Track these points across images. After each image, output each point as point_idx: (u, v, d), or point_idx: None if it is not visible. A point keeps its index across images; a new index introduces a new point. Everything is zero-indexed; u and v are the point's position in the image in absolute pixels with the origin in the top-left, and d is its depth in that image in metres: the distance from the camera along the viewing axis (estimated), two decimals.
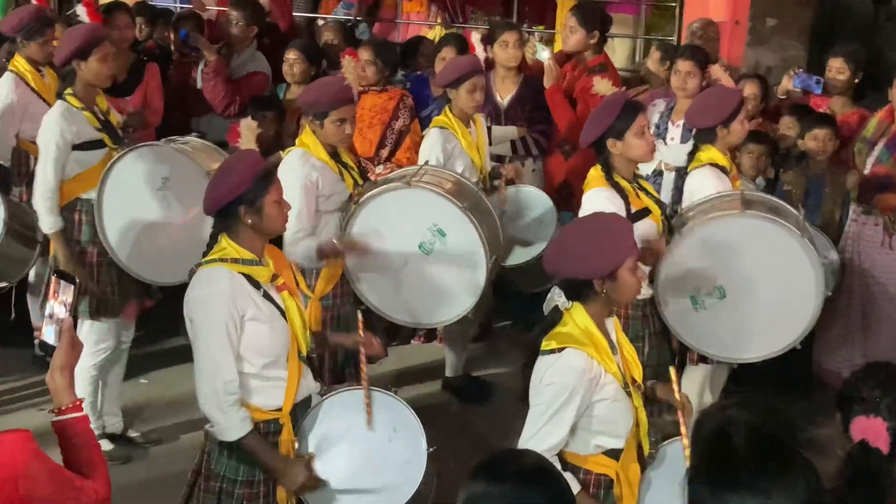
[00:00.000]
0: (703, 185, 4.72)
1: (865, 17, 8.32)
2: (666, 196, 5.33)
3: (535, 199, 5.52)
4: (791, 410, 2.47)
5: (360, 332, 3.92)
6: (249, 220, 3.47)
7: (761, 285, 4.43)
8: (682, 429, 3.43)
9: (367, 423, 3.67)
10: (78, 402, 2.63)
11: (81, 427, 2.62)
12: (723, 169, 4.77)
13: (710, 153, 4.78)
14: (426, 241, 4.66)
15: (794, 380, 5.58)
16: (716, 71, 5.92)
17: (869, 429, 2.66)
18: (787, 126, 6.03)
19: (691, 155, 4.87)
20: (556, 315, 3.33)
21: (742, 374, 5.08)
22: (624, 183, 4.35)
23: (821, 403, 5.32)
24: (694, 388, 4.81)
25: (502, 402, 5.64)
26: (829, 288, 4.96)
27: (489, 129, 5.93)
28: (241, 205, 3.44)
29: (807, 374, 5.81)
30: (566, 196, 5.95)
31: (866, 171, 5.65)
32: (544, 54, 6.15)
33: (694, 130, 5.00)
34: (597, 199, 4.27)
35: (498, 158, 5.91)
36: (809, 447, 4.31)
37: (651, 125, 5.57)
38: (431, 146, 5.26)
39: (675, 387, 3.55)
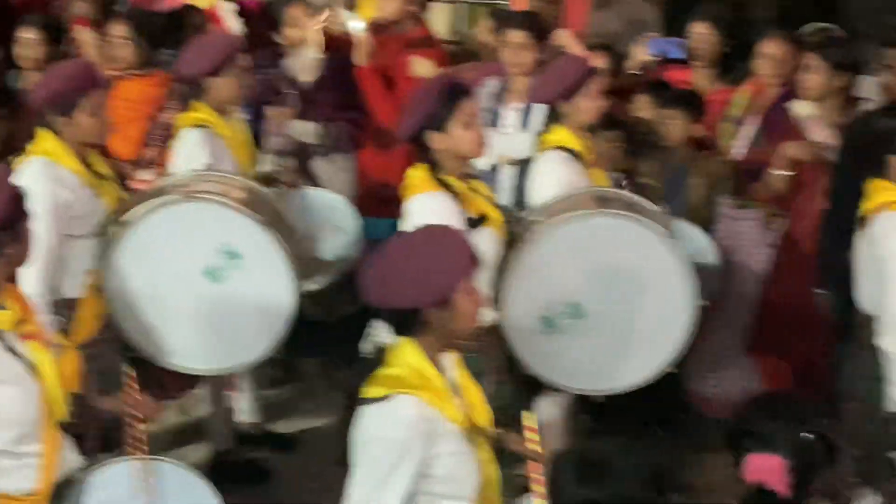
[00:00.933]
0: (548, 174, 4.81)
1: None
2: (505, 197, 5.40)
3: (329, 205, 5.52)
4: (668, 450, 2.53)
5: (130, 389, 3.82)
6: (11, 250, 3.37)
7: (625, 298, 4.53)
8: (535, 486, 3.43)
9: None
10: None
11: None
12: (576, 155, 4.85)
13: (558, 135, 4.86)
14: (215, 267, 4.60)
15: (669, 410, 5.70)
16: (561, 37, 6.02)
17: (765, 468, 2.73)
18: (642, 106, 6.13)
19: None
20: (380, 353, 3.30)
21: (605, 406, 5.18)
22: (455, 183, 4.35)
23: (702, 438, 5.51)
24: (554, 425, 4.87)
25: (314, 465, 5.54)
26: (709, 295, 5.08)
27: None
28: (2, 231, 3.33)
29: (683, 403, 5.94)
30: (385, 199, 5.79)
31: (737, 157, 5.82)
32: (354, 24, 6.12)
33: (533, 111, 5.08)
34: (426, 206, 4.25)
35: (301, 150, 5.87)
36: (693, 493, 4.45)
37: (482, 110, 5.61)
38: (191, 151, 5.11)
39: (528, 434, 3.56)
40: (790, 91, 5.74)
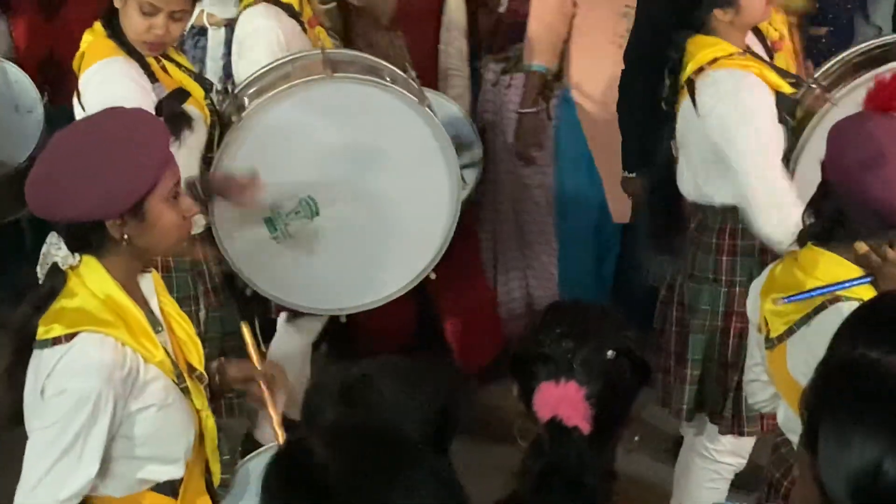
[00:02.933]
0: (256, 33, 4.82)
1: None
2: (214, 69, 5.39)
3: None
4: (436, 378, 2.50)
5: None
6: None
7: (371, 188, 4.54)
8: (272, 413, 3.40)
9: None
10: None
11: None
12: (289, 9, 4.89)
13: None
14: None
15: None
16: None
17: (561, 399, 2.66)
18: None
19: None
20: (58, 280, 3.17)
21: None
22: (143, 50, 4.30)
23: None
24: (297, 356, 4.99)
25: None
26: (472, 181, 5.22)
27: None
28: None
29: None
30: (56, 77, 5.81)
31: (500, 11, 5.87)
32: None
33: None
34: (105, 78, 4.18)
35: None
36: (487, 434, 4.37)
37: None
38: None
39: (251, 351, 3.52)
40: None
